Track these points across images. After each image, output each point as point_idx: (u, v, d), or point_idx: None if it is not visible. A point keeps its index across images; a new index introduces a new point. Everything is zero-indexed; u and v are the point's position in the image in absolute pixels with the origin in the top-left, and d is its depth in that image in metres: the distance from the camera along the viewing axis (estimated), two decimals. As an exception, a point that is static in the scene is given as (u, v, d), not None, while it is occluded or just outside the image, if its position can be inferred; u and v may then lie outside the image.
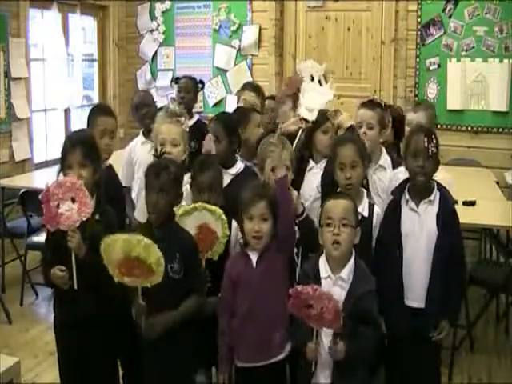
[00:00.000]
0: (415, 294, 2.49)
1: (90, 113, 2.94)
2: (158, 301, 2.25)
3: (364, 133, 2.94)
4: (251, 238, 2.32)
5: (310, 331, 2.15)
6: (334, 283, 2.22)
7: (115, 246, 2.13)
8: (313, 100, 2.95)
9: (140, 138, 3.64)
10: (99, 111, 2.93)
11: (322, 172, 2.91)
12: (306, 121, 2.97)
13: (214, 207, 2.49)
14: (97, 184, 2.40)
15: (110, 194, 2.51)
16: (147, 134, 3.48)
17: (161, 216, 2.31)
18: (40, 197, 2.23)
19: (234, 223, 2.55)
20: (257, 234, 2.31)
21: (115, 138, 2.91)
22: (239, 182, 2.76)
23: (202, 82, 4.29)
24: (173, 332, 2.28)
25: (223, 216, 2.48)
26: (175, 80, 4.30)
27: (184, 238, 2.35)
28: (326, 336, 2.17)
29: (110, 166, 2.88)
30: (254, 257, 2.35)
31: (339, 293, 2.18)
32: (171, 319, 2.29)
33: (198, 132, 3.29)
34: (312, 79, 2.98)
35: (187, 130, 2.93)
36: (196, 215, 2.48)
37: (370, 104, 3.06)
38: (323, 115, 2.98)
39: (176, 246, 2.29)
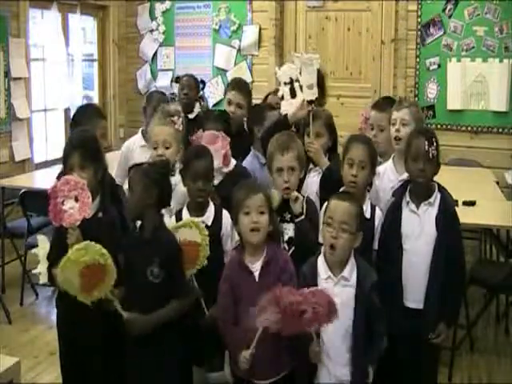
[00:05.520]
0: (415, 295, 2.48)
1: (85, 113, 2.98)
2: (138, 305, 2.25)
3: (375, 135, 2.94)
4: (248, 232, 2.26)
5: (309, 335, 2.14)
6: (337, 283, 2.22)
7: (67, 270, 2.17)
8: (307, 75, 2.95)
9: (139, 140, 3.55)
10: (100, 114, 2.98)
11: (319, 176, 2.90)
12: (310, 102, 2.96)
13: (183, 221, 2.48)
14: (100, 183, 2.43)
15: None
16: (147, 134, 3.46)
17: (137, 212, 2.31)
18: (48, 192, 2.29)
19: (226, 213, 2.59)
20: (254, 226, 2.25)
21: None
22: (232, 180, 2.76)
23: (203, 81, 4.28)
24: (157, 338, 2.28)
25: (194, 221, 2.47)
26: (175, 79, 4.29)
27: (166, 243, 2.32)
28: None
29: None
30: (255, 269, 2.27)
31: (343, 292, 2.18)
32: (152, 319, 2.26)
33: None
34: (291, 81, 3.00)
35: (180, 128, 2.92)
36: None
37: (380, 105, 3.05)
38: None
39: (157, 249, 2.27)
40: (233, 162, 2.96)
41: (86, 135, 2.54)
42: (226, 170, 2.90)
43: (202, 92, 4.33)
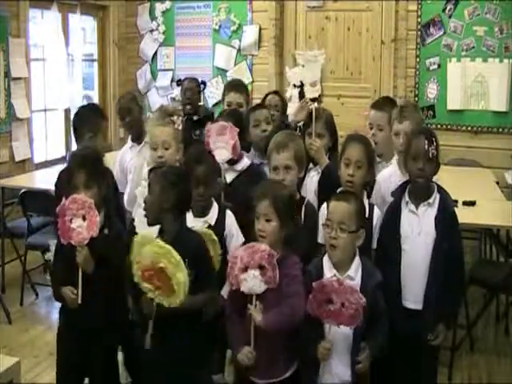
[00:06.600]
0: (414, 295, 2.48)
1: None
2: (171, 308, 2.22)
3: (373, 134, 2.93)
4: (258, 236, 2.29)
5: (319, 331, 2.14)
6: None
7: (147, 250, 2.15)
8: (310, 73, 2.93)
9: (129, 144, 3.58)
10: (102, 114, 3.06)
11: (319, 176, 2.90)
12: (313, 100, 2.95)
13: (202, 232, 2.46)
14: (104, 199, 2.46)
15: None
16: (136, 139, 3.50)
17: (155, 215, 2.29)
18: (57, 210, 2.33)
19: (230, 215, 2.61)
20: (260, 233, 2.27)
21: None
22: (244, 179, 2.75)
23: (204, 82, 4.30)
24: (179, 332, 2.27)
25: (214, 236, 2.47)
26: (176, 82, 4.32)
27: (190, 242, 2.32)
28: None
29: None
30: None
31: None
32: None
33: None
34: (302, 85, 2.98)
35: (180, 128, 2.91)
36: None
37: (379, 104, 3.04)
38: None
39: (184, 251, 2.23)
40: (247, 161, 2.91)
41: (89, 153, 2.54)
42: (238, 167, 2.86)
43: (202, 93, 4.36)
